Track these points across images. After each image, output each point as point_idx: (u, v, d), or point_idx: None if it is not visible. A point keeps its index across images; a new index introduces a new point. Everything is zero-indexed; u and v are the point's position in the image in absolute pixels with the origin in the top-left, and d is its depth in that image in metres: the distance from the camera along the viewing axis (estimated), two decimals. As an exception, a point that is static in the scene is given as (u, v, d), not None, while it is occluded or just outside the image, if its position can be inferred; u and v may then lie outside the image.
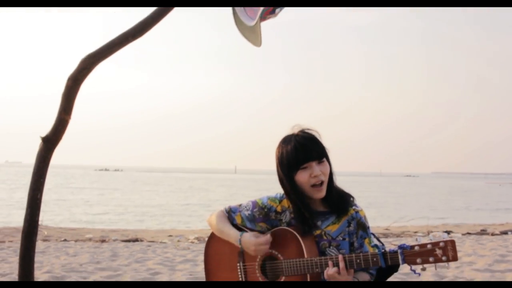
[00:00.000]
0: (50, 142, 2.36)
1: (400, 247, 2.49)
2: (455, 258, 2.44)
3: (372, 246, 2.86)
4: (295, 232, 2.80)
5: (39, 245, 9.07)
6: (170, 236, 11.87)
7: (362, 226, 2.86)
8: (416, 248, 2.47)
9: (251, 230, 2.94)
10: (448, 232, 11.54)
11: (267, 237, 2.83)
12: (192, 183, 58.24)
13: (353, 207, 2.89)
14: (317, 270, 2.70)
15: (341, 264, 2.62)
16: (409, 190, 51.99)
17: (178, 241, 10.63)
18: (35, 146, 2.42)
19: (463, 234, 11.36)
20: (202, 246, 9.23)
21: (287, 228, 2.84)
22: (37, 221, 2.37)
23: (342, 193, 2.90)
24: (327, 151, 2.85)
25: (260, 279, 2.88)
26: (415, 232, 11.74)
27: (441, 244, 2.42)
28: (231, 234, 2.89)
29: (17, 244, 9.12)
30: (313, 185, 2.78)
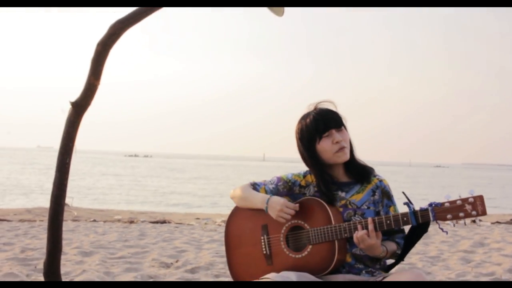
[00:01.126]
0: (79, 107, 2.39)
1: (430, 204, 2.54)
2: (484, 213, 2.48)
3: (404, 204, 2.87)
4: (321, 201, 2.83)
5: (69, 224, 9.23)
6: (198, 219, 11.96)
7: (387, 195, 2.93)
8: (446, 204, 2.52)
9: None
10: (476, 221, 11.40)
11: (295, 204, 2.86)
12: (221, 170, 58.50)
13: (377, 177, 2.96)
14: (345, 235, 2.74)
15: (370, 226, 2.66)
16: (438, 180, 51.48)
17: (206, 223, 10.70)
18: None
19: (492, 223, 11.21)
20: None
21: (313, 197, 2.88)
22: (65, 184, 2.41)
23: (363, 164, 2.96)
24: (344, 120, 2.91)
25: (286, 251, 2.90)
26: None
27: (470, 199, 2.48)
28: (258, 198, 2.93)
29: (47, 223, 9.30)
30: (336, 151, 2.83)
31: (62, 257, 5.11)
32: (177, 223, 10.49)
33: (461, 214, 2.51)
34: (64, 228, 8.03)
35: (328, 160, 2.88)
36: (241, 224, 3.02)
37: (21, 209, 12.23)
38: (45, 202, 14.67)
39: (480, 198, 2.53)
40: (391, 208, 2.94)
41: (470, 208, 2.50)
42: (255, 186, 3.06)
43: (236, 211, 3.10)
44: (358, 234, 2.65)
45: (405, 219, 2.62)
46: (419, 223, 2.61)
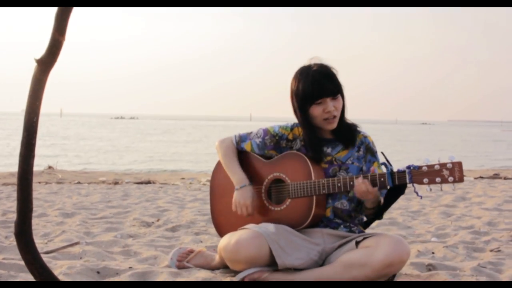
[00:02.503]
0: (44, 64, 2.32)
1: (408, 167, 2.55)
2: (461, 179, 2.48)
3: (381, 165, 2.91)
4: (304, 156, 2.87)
5: (53, 187, 9.19)
6: (183, 179, 11.97)
7: (370, 151, 2.99)
8: (424, 168, 2.52)
9: (260, 156, 3.03)
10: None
11: (253, 208, 2.96)
12: (207, 130, 58.43)
13: (361, 133, 3.00)
14: (323, 191, 2.78)
15: (366, 183, 2.70)
16: (424, 137, 51.79)
17: (190, 183, 10.71)
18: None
19: (475, 178, 11.33)
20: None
21: (297, 152, 2.92)
22: (33, 144, 2.36)
23: (350, 125, 2.98)
24: (342, 87, 2.90)
25: (266, 203, 2.97)
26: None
27: (449, 165, 2.48)
28: (235, 176, 3.02)
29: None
30: (325, 119, 2.85)
31: (43, 218, 5.11)
32: (161, 184, 10.49)
33: (438, 179, 2.51)
34: (47, 191, 8.02)
35: (316, 124, 2.90)
36: (225, 174, 3.07)
37: (5, 173, 12.15)
38: (37, 164, 14.61)
39: (459, 164, 2.52)
40: (375, 164, 2.98)
41: (447, 174, 2.50)
42: (239, 144, 3.07)
43: (220, 163, 3.14)
44: (362, 188, 2.67)
45: (382, 179, 2.63)
46: (395, 184, 2.62)
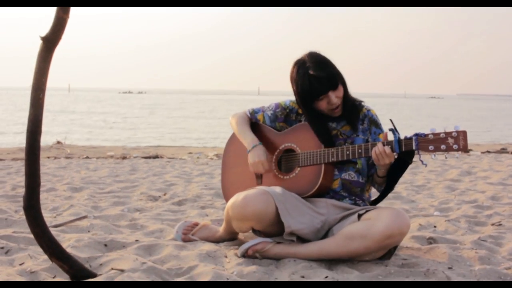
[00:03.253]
0: (49, 42, 2.37)
1: (415, 134, 2.63)
2: (465, 148, 2.56)
3: (389, 131, 2.96)
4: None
5: (61, 162, 9.28)
6: (190, 153, 12.04)
7: (374, 123, 3.06)
8: (430, 136, 2.60)
9: (272, 128, 3.11)
10: (467, 150, 11.51)
11: (271, 165, 3.05)
12: (216, 105, 58.43)
13: (365, 107, 3.07)
14: (332, 159, 2.86)
15: (386, 147, 2.74)
16: (434, 111, 51.59)
17: (198, 157, 10.78)
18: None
19: (482, 152, 11.33)
20: (220, 162, 9.37)
21: (306, 123, 3.00)
22: (40, 120, 2.41)
23: (354, 102, 3.04)
24: (339, 74, 2.94)
25: (275, 171, 3.04)
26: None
27: (454, 133, 2.56)
28: (247, 139, 3.09)
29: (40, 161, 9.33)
30: (330, 109, 2.93)
31: (52, 193, 5.19)
32: (169, 158, 10.56)
33: (443, 147, 2.58)
34: (56, 166, 8.10)
35: (322, 112, 2.94)
36: (238, 145, 3.17)
37: (14, 148, 12.26)
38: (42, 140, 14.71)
39: (464, 133, 2.59)
40: (381, 135, 3.04)
41: (452, 142, 2.57)
42: (253, 115, 3.17)
43: (235, 134, 3.23)
44: (377, 151, 2.72)
45: (390, 146, 2.70)
46: (402, 151, 2.69)
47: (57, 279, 2.48)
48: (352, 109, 3.04)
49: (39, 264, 2.67)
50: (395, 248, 2.85)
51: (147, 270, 2.58)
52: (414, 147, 2.66)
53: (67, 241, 3.10)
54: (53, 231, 3.36)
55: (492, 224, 3.76)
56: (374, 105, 3.14)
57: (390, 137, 2.82)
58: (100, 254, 2.86)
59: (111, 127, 23.33)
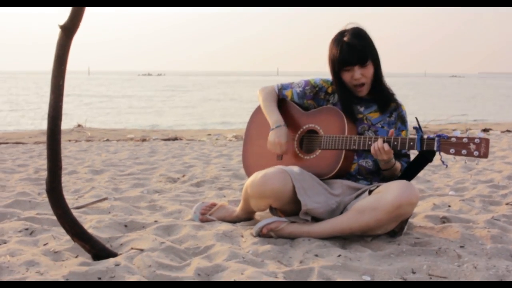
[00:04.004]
0: (68, 30, 2.44)
1: (438, 135, 2.67)
2: (485, 155, 2.60)
3: (413, 128, 3.01)
4: (342, 113, 3.01)
5: (82, 144, 9.42)
6: (209, 135, 12.13)
7: (402, 119, 3.12)
8: (453, 139, 2.64)
9: (299, 105, 3.16)
10: (487, 130, 11.47)
11: (289, 147, 3.11)
12: (235, 86, 58.45)
13: (396, 101, 3.13)
14: (353, 147, 2.91)
15: (380, 143, 2.84)
16: (455, 91, 51.08)
17: (217, 139, 10.87)
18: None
19: (502, 132, 11.28)
20: (239, 143, 9.44)
21: (336, 108, 3.06)
22: (61, 106, 2.49)
23: (387, 91, 3.12)
24: (375, 54, 3.00)
25: (296, 150, 3.13)
26: (453, 130, 11.71)
27: (476, 140, 2.60)
28: (272, 117, 3.16)
29: (61, 145, 9.49)
30: (354, 85, 2.98)
31: (73, 176, 5.31)
32: (188, 140, 10.67)
33: (464, 152, 2.62)
34: (77, 149, 8.24)
35: (349, 87, 3.00)
36: (263, 118, 3.23)
37: (36, 132, 12.45)
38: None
39: (486, 141, 2.63)
40: (403, 133, 3.13)
41: (474, 148, 2.61)
42: (281, 91, 3.23)
43: (260, 107, 3.29)
44: (376, 147, 2.79)
45: (411, 143, 2.75)
46: (423, 150, 2.73)
47: (80, 258, 2.57)
48: (383, 96, 3.09)
49: (62, 245, 2.77)
50: (406, 222, 2.91)
51: (165, 250, 2.67)
52: (435, 148, 2.70)
53: (89, 222, 3.20)
54: (75, 213, 3.46)
55: (507, 204, 3.79)
56: (394, 85, 3.18)
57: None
58: (121, 235, 2.95)
59: (131, 110, 23.51)
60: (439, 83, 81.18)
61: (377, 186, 2.90)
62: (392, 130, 2.87)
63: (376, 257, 2.64)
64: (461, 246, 2.77)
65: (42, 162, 6.68)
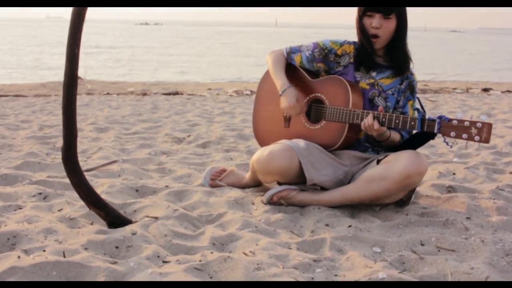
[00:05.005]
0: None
1: (439, 117, 2.64)
2: (487, 141, 2.57)
3: (414, 110, 3.02)
4: (346, 83, 2.99)
5: (83, 98, 9.40)
6: (209, 89, 12.10)
7: (411, 88, 3.11)
8: (454, 122, 2.60)
9: (309, 70, 3.15)
10: (487, 90, 11.45)
11: (302, 109, 3.06)
12: (233, 38, 57.89)
13: (410, 69, 3.08)
14: (357, 121, 2.90)
15: (376, 125, 2.81)
16: (455, 46, 50.73)
17: (217, 94, 10.86)
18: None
19: (502, 92, 11.27)
20: (240, 99, 9.44)
21: (340, 77, 3.02)
22: (76, 74, 2.50)
23: (406, 56, 3.06)
24: (403, 11, 2.98)
25: (302, 119, 3.13)
26: (454, 89, 11.70)
27: (478, 124, 2.55)
28: (278, 81, 3.13)
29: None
30: (371, 34, 2.95)
31: (79, 134, 5.32)
32: (189, 94, 10.65)
33: (464, 136, 2.59)
34: (78, 103, 8.22)
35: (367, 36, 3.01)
36: (271, 84, 3.22)
37: (36, 84, 12.38)
38: (58, 76, 14.80)
39: (488, 126, 2.58)
40: (410, 102, 3.12)
41: (475, 132, 2.57)
42: (289, 55, 3.21)
43: (269, 72, 3.29)
44: (366, 124, 2.80)
45: (412, 123, 2.72)
46: (424, 131, 2.72)
47: (96, 226, 2.62)
48: (400, 61, 3.06)
49: (76, 211, 2.82)
50: (413, 191, 2.96)
51: (179, 217, 2.72)
52: (435, 131, 2.67)
53: (101, 187, 3.24)
54: (86, 176, 3.51)
55: (510, 173, 3.84)
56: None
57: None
58: (133, 200, 3.00)
59: (130, 61, 23.34)
60: (440, 37, 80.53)
61: (385, 156, 2.93)
62: (381, 107, 2.86)
63: (385, 228, 2.70)
64: (468, 218, 2.83)
65: (45, 118, 6.69)
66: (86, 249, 2.31)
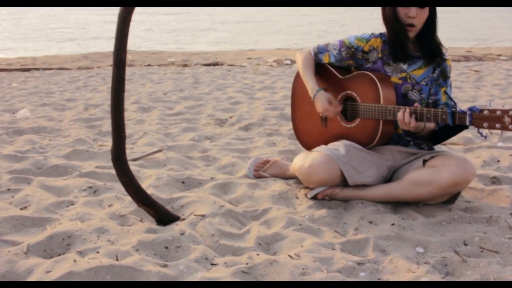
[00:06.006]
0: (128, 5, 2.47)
1: (470, 109, 2.58)
2: None
3: (446, 97, 2.97)
4: (375, 78, 2.97)
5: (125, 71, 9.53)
6: (249, 58, 12.08)
7: (444, 75, 3.05)
8: (485, 112, 2.53)
9: (339, 68, 3.14)
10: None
11: (337, 109, 3.02)
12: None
13: (442, 56, 3.02)
14: (389, 117, 2.88)
15: (413, 122, 2.75)
16: (499, 9, 49.05)
17: (257, 64, 10.85)
18: None
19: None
20: (280, 70, 9.43)
21: (369, 73, 3.02)
22: (123, 78, 2.56)
23: (438, 44, 3.02)
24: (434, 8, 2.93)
25: (338, 118, 3.13)
26: (498, 55, 11.42)
27: (511, 112, 2.46)
28: (309, 85, 3.15)
29: (104, 71, 9.63)
30: (406, 24, 2.91)
31: (124, 114, 5.44)
32: (229, 65, 10.68)
33: (498, 125, 2.51)
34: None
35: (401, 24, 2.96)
36: (304, 84, 3.23)
37: (78, 55, 12.56)
38: (100, 46, 14.93)
39: None
40: (443, 89, 3.06)
41: (508, 121, 2.48)
42: (317, 56, 3.21)
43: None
44: (403, 121, 2.77)
45: (443, 116, 2.68)
46: (455, 124, 2.68)
47: (145, 224, 2.72)
48: (432, 48, 3.01)
49: (126, 206, 2.92)
50: (459, 193, 2.96)
51: (225, 214, 2.80)
52: (467, 123, 2.62)
53: (148, 179, 3.34)
54: (132, 166, 3.61)
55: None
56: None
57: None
58: (180, 195, 3.08)
59: (168, 28, 23.34)
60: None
61: (431, 156, 2.92)
62: (416, 104, 2.81)
63: (428, 226, 2.72)
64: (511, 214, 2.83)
65: (90, 95, 6.84)
66: (137, 250, 2.40)
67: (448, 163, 2.83)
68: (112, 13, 32.24)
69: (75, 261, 2.25)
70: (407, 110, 2.78)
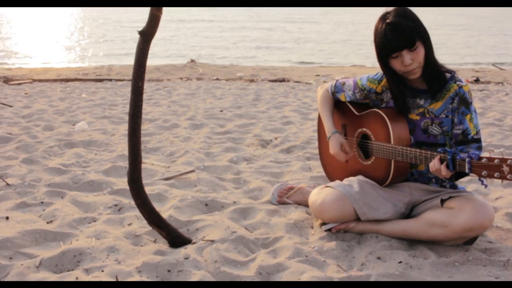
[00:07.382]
0: (146, 36, 2.58)
1: (469, 156, 2.50)
2: None
3: (474, 124, 2.85)
4: (386, 117, 2.92)
5: (192, 85, 9.77)
6: (318, 75, 12.10)
7: (464, 102, 2.89)
8: (484, 160, 2.46)
9: (357, 104, 3.13)
10: None
11: (349, 154, 3.12)
12: (354, 18, 56.87)
13: (457, 83, 2.91)
14: (399, 158, 2.83)
15: (444, 170, 2.64)
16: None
17: (324, 82, 10.85)
18: None
19: None
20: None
21: (380, 111, 2.96)
22: (140, 106, 2.67)
23: (441, 73, 2.88)
24: (423, 34, 2.78)
25: (356, 155, 3.13)
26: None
27: (509, 162, 2.37)
28: (326, 125, 3.17)
29: (172, 84, 9.89)
30: (405, 72, 2.82)
31: (174, 131, 5.60)
32: (295, 81, 10.73)
33: (496, 175, 2.41)
34: (185, 91, 8.62)
35: (400, 74, 2.88)
36: None
37: (151, 67, 12.84)
38: (171, 58, 15.24)
39: None
40: (467, 116, 2.89)
41: (507, 170, 2.38)
42: (334, 95, 3.20)
43: None
44: (433, 168, 2.69)
45: (446, 162, 2.61)
46: (456, 170, 2.60)
47: (157, 244, 2.80)
48: (435, 78, 2.87)
49: (143, 227, 3.02)
50: (475, 237, 2.85)
51: (235, 240, 2.84)
52: (467, 170, 2.53)
53: (172, 200, 3.43)
54: (163, 185, 3.72)
55: None
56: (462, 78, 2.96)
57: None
58: (198, 218, 3.15)
59: (243, 43, 23.60)
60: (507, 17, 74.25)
61: (450, 196, 2.85)
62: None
63: (438, 266, 2.66)
64: (532, 259, 2.71)
65: (150, 109, 7.06)
66: (139, 272, 2.49)
67: (465, 207, 2.74)
68: (189, 27, 32.94)
69: (77, 278, 2.36)
70: (437, 156, 2.68)
